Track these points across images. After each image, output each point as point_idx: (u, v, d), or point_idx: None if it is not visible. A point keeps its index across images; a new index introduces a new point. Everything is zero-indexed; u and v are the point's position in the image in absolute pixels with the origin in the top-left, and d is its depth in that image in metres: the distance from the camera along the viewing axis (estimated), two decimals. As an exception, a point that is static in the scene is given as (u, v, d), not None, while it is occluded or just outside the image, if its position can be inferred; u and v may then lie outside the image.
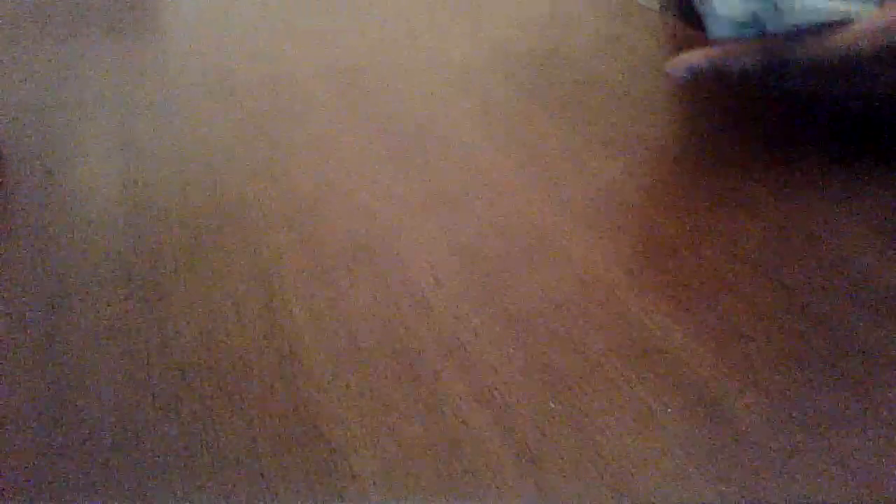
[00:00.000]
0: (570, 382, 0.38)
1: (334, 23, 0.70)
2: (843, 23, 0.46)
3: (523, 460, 0.34)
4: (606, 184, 0.53)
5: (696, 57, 0.49)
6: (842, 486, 0.33)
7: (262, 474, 0.34)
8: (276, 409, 0.37)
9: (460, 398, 0.38)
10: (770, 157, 0.56)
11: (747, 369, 0.39)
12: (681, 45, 0.55)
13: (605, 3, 0.83)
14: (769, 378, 0.39)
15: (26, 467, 0.34)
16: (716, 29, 0.48)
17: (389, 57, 0.72)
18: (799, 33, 0.47)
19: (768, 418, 0.36)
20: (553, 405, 0.37)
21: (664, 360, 0.40)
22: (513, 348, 0.41)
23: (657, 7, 0.76)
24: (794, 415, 0.37)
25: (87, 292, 0.44)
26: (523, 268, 0.46)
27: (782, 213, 0.51)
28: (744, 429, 0.36)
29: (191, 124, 0.61)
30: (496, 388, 0.38)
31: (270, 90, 0.67)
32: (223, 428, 0.36)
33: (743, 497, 0.33)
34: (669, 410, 0.37)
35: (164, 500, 0.33)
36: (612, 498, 0.33)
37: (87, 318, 0.43)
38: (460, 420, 0.36)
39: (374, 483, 0.33)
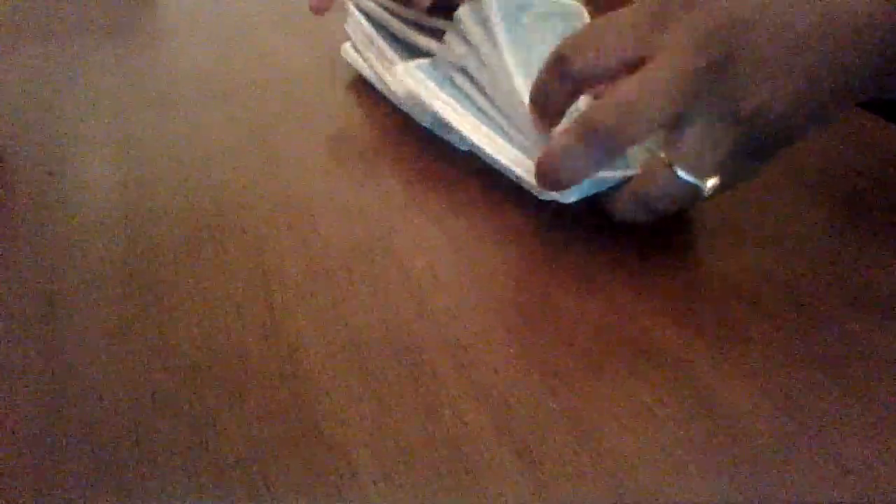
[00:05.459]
0: (570, 382, 0.38)
1: (335, 23, 0.70)
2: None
3: (523, 460, 0.34)
4: (606, 184, 0.53)
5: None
6: (841, 487, 0.33)
7: (262, 474, 0.34)
8: (276, 409, 0.37)
9: (460, 398, 0.38)
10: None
11: (747, 369, 0.39)
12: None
13: None
14: (769, 378, 0.39)
15: (26, 467, 0.34)
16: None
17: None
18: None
19: (768, 418, 0.36)
20: (553, 405, 0.37)
21: (664, 360, 0.40)
22: (513, 348, 0.41)
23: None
24: (794, 415, 0.37)
25: (86, 292, 0.44)
26: (523, 267, 0.46)
27: (782, 213, 0.51)
28: (744, 429, 0.36)
29: (191, 124, 0.61)
30: (496, 388, 0.38)
31: (270, 89, 0.67)
32: (223, 428, 0.36)
33: (742, 496, 0.33)
34: (669, 410, 0.37)
35: (164, 500, 0.33)
36: (612, 498, 0.33)
37: (87, 318, 0.43)
38: (460, 420, 0.36)
39: (374, 483, 0.33)
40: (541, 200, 0.49)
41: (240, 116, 0.62)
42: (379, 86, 0.63)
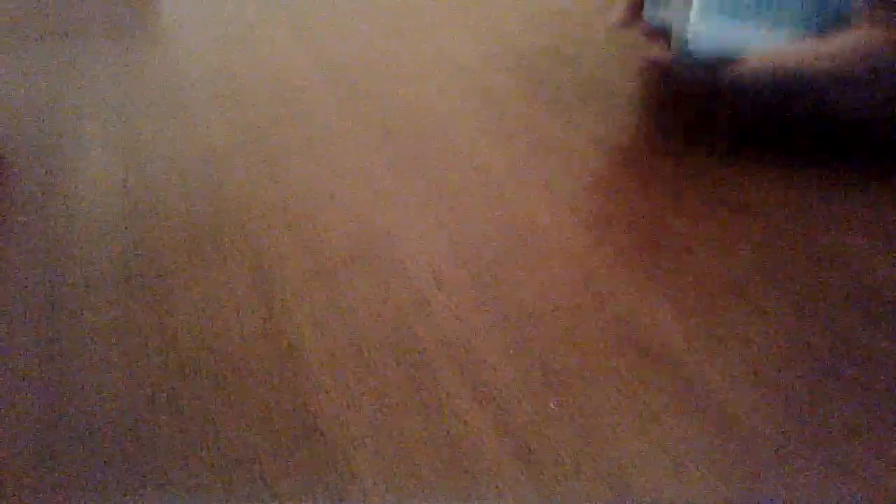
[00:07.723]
0: (570, 382, 0.38)
1: (335, 23, 0.70)
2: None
3: (523, 460, 0.34)
4: (607, 184, 0.54)
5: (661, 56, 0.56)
6: (841, 487, 0.33)
7: (262, 474, 0.34)
8: (276, 409, 0.37)
9: (460, 398, 0.38)
10: (770, 158, 0.56)
11: (747, 370, 0.39)
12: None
13: None
14: (769, 379, 0.39)
15: (26, 467, 0.34)
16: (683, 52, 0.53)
17: (391, 56, 0.72)
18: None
19: (768, 419, 0.36)
20: (553, 405, 0.37)
21: (664, 360, 0.40)
22: (513, 348, 0.41)
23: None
24: (794, 416, 0.37)
25: (87, 292, 0.44)
26: (523, 268, 0.46)
27: (783, 214, 0.51)
28: (744, 429, 0.36)
29: (191, 125, 0.61)
30: (496, 388, 0.38)
31: (270, 90, 0.67)
32: (223, 428, 0.36)
33: (743, 497, 0.33)
34: (669, 410, 0.37)
35: (165, 500, 0.33)
36: (612, 498, 0.33)
37: (87, 318, 0.43)
38: (460, 420, 0.36)
39: (374, 483, 0.33)
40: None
41: (240, 116, 0.62)
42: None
